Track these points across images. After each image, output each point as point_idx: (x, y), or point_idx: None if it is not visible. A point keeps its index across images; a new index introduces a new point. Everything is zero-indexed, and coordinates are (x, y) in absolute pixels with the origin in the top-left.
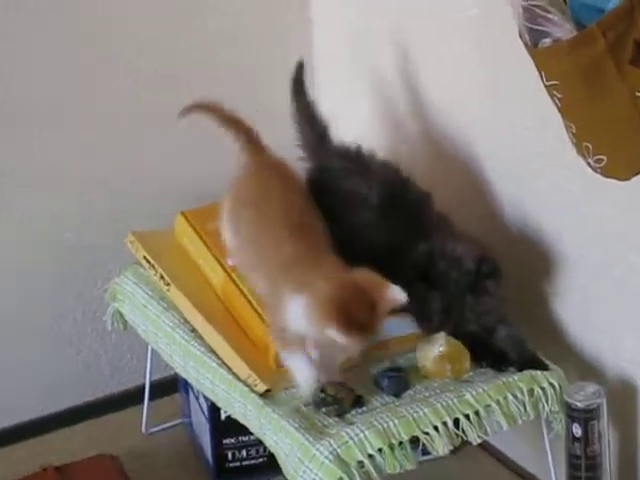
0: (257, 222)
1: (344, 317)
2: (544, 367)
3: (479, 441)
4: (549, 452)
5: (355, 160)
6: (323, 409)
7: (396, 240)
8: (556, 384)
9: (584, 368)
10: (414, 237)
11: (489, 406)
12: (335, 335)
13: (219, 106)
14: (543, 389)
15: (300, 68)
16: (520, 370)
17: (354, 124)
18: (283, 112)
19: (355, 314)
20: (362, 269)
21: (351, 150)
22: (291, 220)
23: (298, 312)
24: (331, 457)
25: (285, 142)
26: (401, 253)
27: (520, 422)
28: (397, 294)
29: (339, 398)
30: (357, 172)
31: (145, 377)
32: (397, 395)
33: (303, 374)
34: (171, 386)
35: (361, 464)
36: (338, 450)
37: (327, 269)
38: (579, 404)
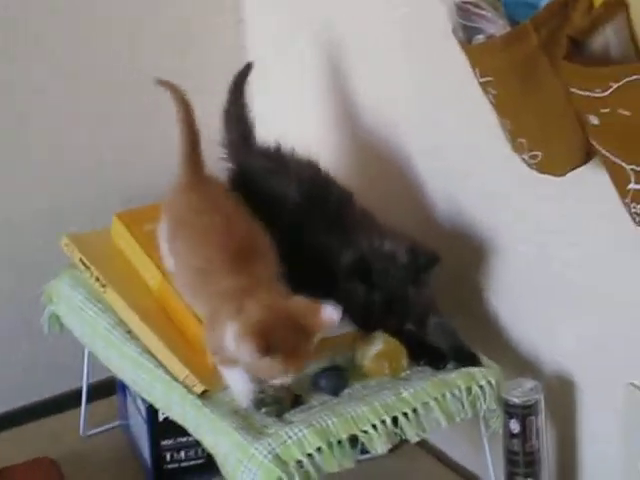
0: (197, 246)
1: (262, 337)
2: (474, 358)
3: (417, 439)
4: (487, 449)
5: (275, 159)
6: (263, 409)
7: (319, 240)
8: (493, 381)
9: (521, 364)
10: (338, 236)
11: (427, 404)
12: (250, 354)
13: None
14: (481, 387)
15: (247, 69)
16: (454, 361)
17: (287, 125)
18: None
19: (278, 337)
20: (299, 296)
21: (271, 149)
22: (233, 244)
23: (231, 337)
24: (270, 456)
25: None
26: (326, 253)
27: (459, 420)
28: (331, 314)
29: (278, 398)
30: (276, 171)
31: (82, 380)
32: (336, 394)
33: (240, 388)
34: (108, 388)
35: (300, 463)
36: (277, 449)
37: (263, 296)
38: (517, 400)
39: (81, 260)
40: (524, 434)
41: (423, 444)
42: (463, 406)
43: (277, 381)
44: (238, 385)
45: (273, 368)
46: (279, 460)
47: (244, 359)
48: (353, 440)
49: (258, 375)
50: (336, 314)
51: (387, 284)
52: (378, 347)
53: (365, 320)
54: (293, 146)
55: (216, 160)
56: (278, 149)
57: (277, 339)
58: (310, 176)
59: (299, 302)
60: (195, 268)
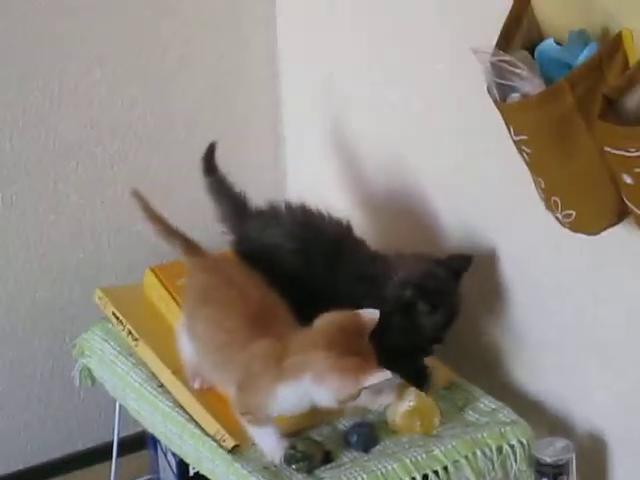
0: (218, 321)
1: (366, 364)
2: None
3: None
4: None
5: (268, 217)
6: (293, 465)
7: (322, 279)
8: (524, 440)
9: (553, 422)
10: (339, 272)
11: (457, 462)
12: (372, 380)
13: (158, 214)
14: (512, 446)
15: (211, 148)
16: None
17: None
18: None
19: (350, 354)
20: (323, 318)
21: (265, 209)
22: (251, 311)
23: (298, 393)
24: None
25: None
26: (330, 288)
27: (488, 479)
28: (371, 314)
29: (309, 454)
30: (269, 226)
31: (113, 434)
32: (366, 450)
33: (270, 444)
34: (139, 443)
35: None
36: None
37: (303, 345)
38: (548, 459)
39: (114, 314)
40: None
41: None
42: (494, 466)
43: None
44: (268, 442)
45: (359, 383)
46: None
47: (331, 396)
48: None
49: (345, 403)
50: (374, 313)
51: (447, 299)
52: (410, 404)
53: (426, 345)
54: (287, 199)
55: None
56: (272, 206)
57: (350, 356)
58: (299, 219)
59: (334, 317)
60: (219, 343)
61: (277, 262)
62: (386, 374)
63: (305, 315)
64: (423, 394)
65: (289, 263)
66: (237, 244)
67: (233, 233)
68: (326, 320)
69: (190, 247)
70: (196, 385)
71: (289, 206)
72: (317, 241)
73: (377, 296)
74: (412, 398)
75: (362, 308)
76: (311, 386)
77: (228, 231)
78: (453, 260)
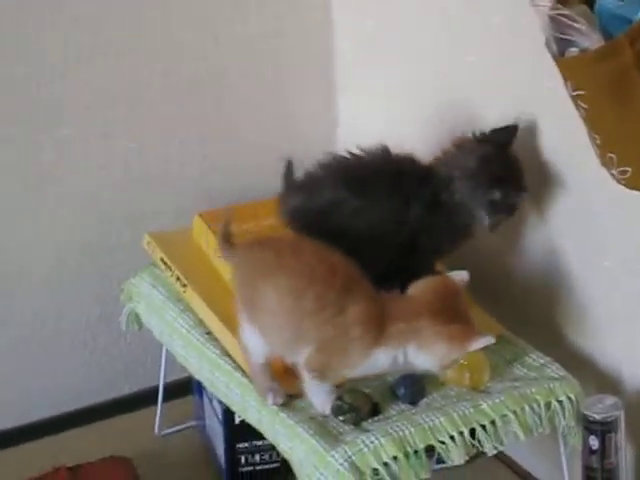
0: (291, 293)
1: (470, 329)
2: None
3: (495, 452)
4: (565, 465)
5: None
6: (340, 417)
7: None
8: (573, 397)
9: (601, 380)
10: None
11: (505, 416)
12: (478, 345)
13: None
14: (560, 402)
15: (290, 166)
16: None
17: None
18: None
19: (455, 317)
20: (417, 285)
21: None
22: (329, 275)
23: (396, 358)
24: (346, 464)
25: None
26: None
27: (536, 434)
28: (461, 276)
29: (356, 406)
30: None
31: (159, 379)
32: (413, 403)
33: (322, 396)
34: (185, 388)
35: (376, 472)
36: (353, 457)
37: (405, 312)
38: (597, 416)
39: (162, 259)
40: (603, 451)
41: (499, 456)
42: (541, 421)
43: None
44: (321, 394)
45: (465, 349)
46: (355, 468)
47: (435, 363)
48: (429, 450)
49: (447, 368)
50: (463, 274)
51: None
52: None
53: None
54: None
55: None
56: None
57: (453, 322)
58: (344, 165)
59: (429, 283)
60: (301, 311)
61: (337, 218)
62: (490, 339)
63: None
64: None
65: (351, 213)
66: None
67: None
68: (422, 287)
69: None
70: (271, 402)
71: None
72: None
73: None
74: None
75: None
76: (416, 353)
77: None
78: (497, 134)
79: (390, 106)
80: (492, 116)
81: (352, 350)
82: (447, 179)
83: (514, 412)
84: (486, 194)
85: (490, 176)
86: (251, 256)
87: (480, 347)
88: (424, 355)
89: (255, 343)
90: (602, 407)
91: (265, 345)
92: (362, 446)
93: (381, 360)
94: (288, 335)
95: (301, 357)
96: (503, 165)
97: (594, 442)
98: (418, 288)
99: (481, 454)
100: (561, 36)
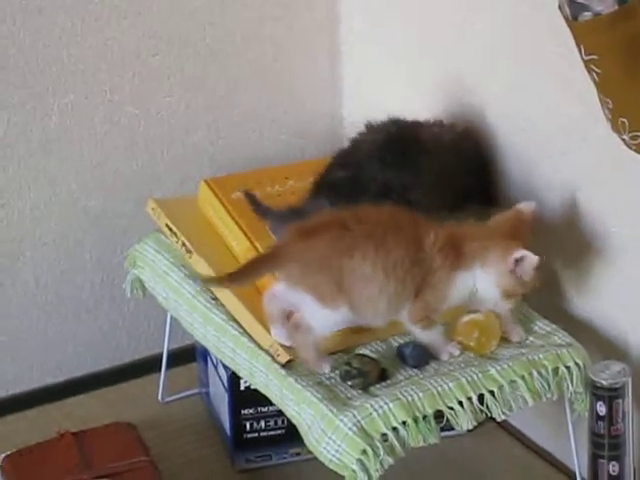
0: (387, 255)
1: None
2: None
3: (503, 417)
4: (571, 431)
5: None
6: (348, 382)
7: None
8: (581, 363)
9: (609, 347)
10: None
11: (514, 382)
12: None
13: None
14: (568, 368)
15: (251, 199)
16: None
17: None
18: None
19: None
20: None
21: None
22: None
23: (480, 280)
24: (355, 429)
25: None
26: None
27: (544, 400)
28: (530, 205)
29: (364, 371)
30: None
31: (163, 345)
32: (419, 367)
33: (441, 348)
34: (188, 355)
35: (385, 437)
36: (362, 422)
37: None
38: (604, 382)
39: (167, 225)
40: (610, 417)
41: (504, 425)
42: (550, 387)
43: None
44: (436, 341)
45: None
46: (364, 433)
47: (499, 277)
48: (437, 417)
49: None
50: (532, 204)
51: None
52: (476, 317)
53: None
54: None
55: None
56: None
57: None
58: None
59: (504, 213)
60: (391, 271)
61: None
62: (533, 257)
63: None
64: (494, 315)
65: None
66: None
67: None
68: (497, 217)
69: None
70: (328, 369)
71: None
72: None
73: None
74: (481, 314)
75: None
76: (481, 274)
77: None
78: None
79: (396, 74)
80: (496, 85)
81: (439, 281)
82: None
83: (522, 377)
84: None
85: None
86: (316, 240)
87: (522, 258)
88: (486, 275)
89: (334, 321)
90: (609, 373)
91: (352, 319)
92: (371, 410)
93: (462, 285)
94: (387, 298)
95: (403, 314)
96: None
97: (601, 408)
98: (494, 218)
99: (484, 422)
100: (574, 0)
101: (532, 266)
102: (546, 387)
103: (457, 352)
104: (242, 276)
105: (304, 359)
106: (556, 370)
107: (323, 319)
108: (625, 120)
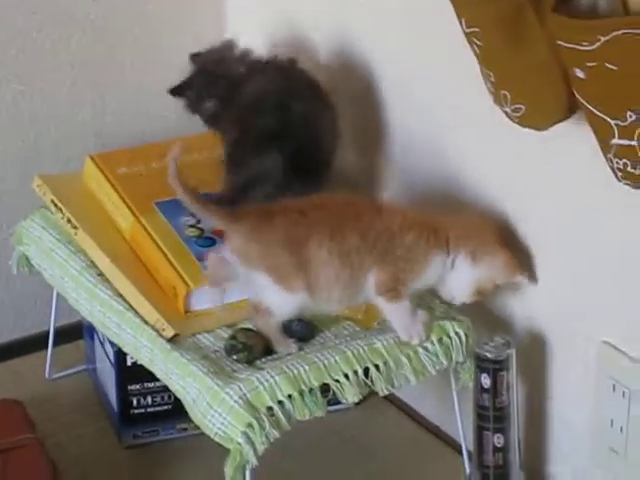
0: (342, 237)
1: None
2: None
3: (386, 392)
4: (457, 403)
5: None
6: (233, 356)
7: None
8: (462, 333)
9: (493, 321)
10: None
11: (399, 359)
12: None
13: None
14: (450, 339)
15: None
16: None
17: None
18: None
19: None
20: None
21: None
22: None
23: (460, 270)
24: (240, 402)
25: None
26: None
27: (433, 372)
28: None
29: (249, 345)
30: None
31: (49, 323)
32: (305, 340)
33: (409, 328)
34: (75, 333)
35: (271, 410)
36: (248, 395)
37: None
38: (488, 354)
39: (53, 201)
40: (495, 389)
41: (392, 398)
42: (438, 357)
43: None
44: (403, 318)
45: (515, 274)
46: (250, 405)
47: (487, 276)
48: (324, 391)
49: (486, 291)
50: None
51: None
52: None
53: None
54: None
55: None
56: None
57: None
58: None
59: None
60: (350, 249)
61: None
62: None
63: None
64: None
65: None
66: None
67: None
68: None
69: (231, 214)
70: (295, 349)
71: None
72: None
73: None
74: None
75: None
76: (464, 263)
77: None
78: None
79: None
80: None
81: (412, 257)
82: None
83: (407, 356)
84: None
85: None
86: (273, 225)
87: (518, 281)
88: (471, 268)
89: (292, 305)
90: (494, 345)
91: (310, 304)
92: (257, 384)
93: (436, 266)
94: (343, 285)
95: (368, 292)
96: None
97: (486, 380)
98: (465, 215)
99: (371, 395)
100: None
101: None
102: (434, 359)
103: (417, 340)
104: (193, 199)
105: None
106: (440, 340)
107: (281, 302)
108: (507, 93)
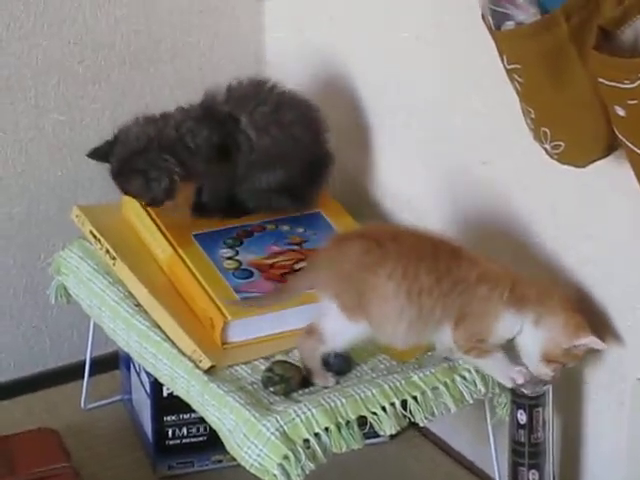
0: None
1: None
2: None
3: (425, 422)
4: (492, 438)
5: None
6: (270, 388)
7: None
8: None
9: None
10: None
11: (436, 388)
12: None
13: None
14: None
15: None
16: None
17: None
18: None
19: None
20: None
21: None
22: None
23: (527, 333)
24: (277, 434)
25: None
26: None
27: (471, 401)
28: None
29: (287, 377)
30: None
31: (85, 353)
32: (342, 374)
33: (503, 369)
34: (111, 363)
35: (307, 442)
36: (285, 427)
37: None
38: (525, 391)
39: (91, 232)
40: (530, 425)
41: (424, 432)
42: (476, 385)
43: None
44: (496, 366)
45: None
46: (286, 438)
47: (552, 344)
48: (361, 424)
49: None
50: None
51: None
52: None
53: None
54: None
55: None
56: None
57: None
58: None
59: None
60: (420, 290)
61: None
62: (601, 344)
63: None
64: None
65: None
66: None
67: None
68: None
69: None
70: (332, 383)
71: None
72: None
73: None
74: None
75: None
76: (530, 327)
77: None
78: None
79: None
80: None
81: (483, 312)
82: None
83: (444, 384)
84: None
85: None
86: (347, 251)
87: (585, 346)
88: (535, 333)
89: (352, 334)
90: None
91: (371, 336)
92: (294, 416)
93: (506, 324)
94: (408, 323)
95: (439, 337)
96: None
97: (522, 416)
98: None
99: (405, 430)
100: (497, 9)
101: (592, 348)
102: (472, 388)
103: (521, 379)
104: (283, 294)
105: (307, 369)
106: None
107: (342, 330)
108: (547, 129)
